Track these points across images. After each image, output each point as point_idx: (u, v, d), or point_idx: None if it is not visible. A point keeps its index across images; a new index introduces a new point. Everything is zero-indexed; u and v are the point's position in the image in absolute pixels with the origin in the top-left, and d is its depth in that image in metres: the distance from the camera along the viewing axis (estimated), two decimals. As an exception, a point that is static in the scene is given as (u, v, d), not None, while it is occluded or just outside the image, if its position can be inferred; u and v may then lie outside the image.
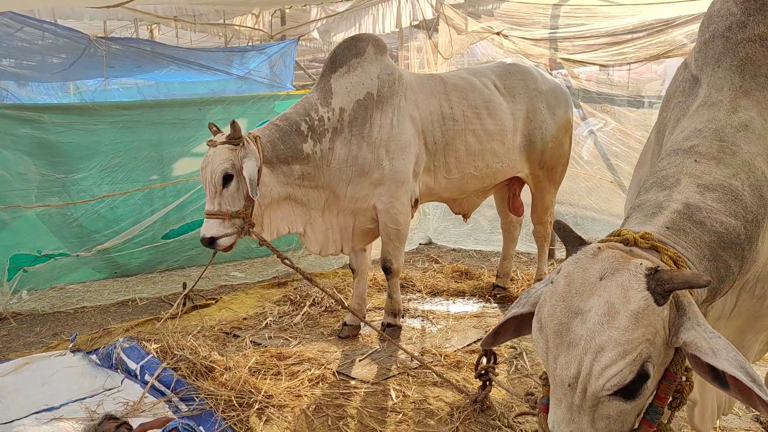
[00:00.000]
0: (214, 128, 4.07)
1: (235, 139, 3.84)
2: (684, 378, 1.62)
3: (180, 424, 2.27)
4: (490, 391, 3.46)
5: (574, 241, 1.64)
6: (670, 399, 1.65)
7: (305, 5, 7.33)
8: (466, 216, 5.28)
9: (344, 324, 4.65)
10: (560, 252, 6.47)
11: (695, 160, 1.84)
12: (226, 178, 3.84)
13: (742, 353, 2.13)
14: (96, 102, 6.72)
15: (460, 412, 3.41)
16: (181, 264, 6.16)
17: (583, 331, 1.48)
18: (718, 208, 1.73)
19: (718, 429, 3.23)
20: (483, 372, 3.43)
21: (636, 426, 1.61)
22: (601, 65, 5.38)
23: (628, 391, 1.49)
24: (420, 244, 7.49)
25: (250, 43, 8.52)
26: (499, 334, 1.91)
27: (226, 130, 3.92)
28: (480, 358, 3.44)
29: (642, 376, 1.48)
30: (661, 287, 1.46)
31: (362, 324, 4.62)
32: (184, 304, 5.19)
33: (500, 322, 1.87)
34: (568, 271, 1.57)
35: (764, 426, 3.25)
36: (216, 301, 5.46)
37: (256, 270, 6.53)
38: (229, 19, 8.95)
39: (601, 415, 1.53)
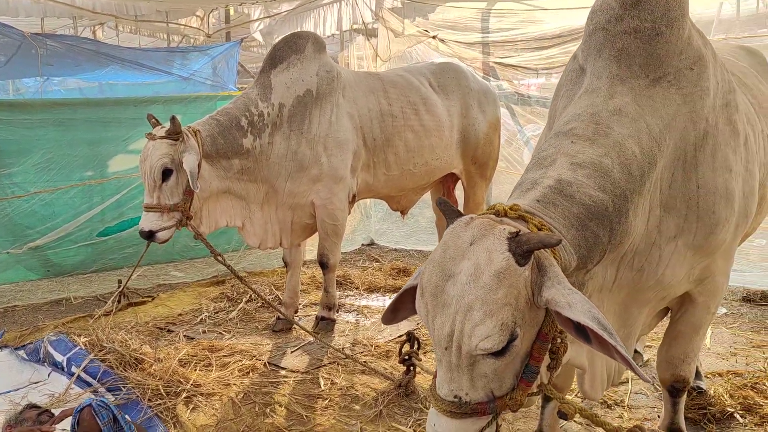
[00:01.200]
0: (153, 120, 4.09)
1: (175, 134, 3.87)
2: (559, 340, 1.74)
3: (94, 401, 2.30)
4: (414, 376, 3.57)
5: (452, 214, 1.76)
6: (548, 361, 1.77)
7: (241, 4, 7.37)
8: (403, 213, 5.42)
9: (278, 318, 4.71)
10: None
11: (572, 141, 1.99)
12: (166, 173, 3.86)
13: (628, 326, 2.30)
14: (30, 99, 6.62)
15: (384, 397, 3.51)
16: (118, 263, 6.09)
17: (455, 291, 1.59)
18: (587, 183, 1.88)
19: (625, 407, 3.42)
20: (407, 357, 3.54)
21: (515, 386, 1.70)
22: (530, 69, 5.61)
23: (498, 350, 1.59)
24: (362, 244, 7.60)
25: (193, 44, 8.51)
26: (397, 310, 2.00)
27: (167, 124, 3.95)
28: (404, 343, 3.56)
29: (511, 337, 1.58)
30: (520, 248, 1.58)
31: (296, 317, 4.70)
32: (119, 302, 5.17)
33: (396, 296, 1.96)
34: (445, 239, 1.69)
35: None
36: (152, 299, 5.44)
37: (196, 269, 6.52)
38: (173, 21, 8.92)
39: (479, 374, 1.64)
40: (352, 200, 4.58)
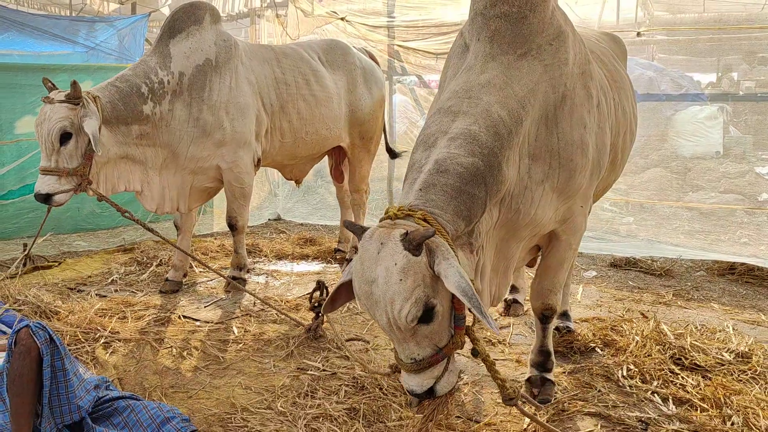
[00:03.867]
0: (50, 84, 4.13)
1: (75, 98, 3.94)
2: None
3: (31, 322, 2.46)
4: (323, 322, 3.92)
5: (359, 231, 2.17)
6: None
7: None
8: (297, 182, 5.78)
9: (166, 280, 4.89)
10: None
11: (450, 119, 2.41)
12: (64, 137, 3.93)
13: (507, 258, 2.75)
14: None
15: (295, 340, 3.83)
16: (20, 230, 6.00)
17: (379, 292, 2.03)
18: (459, 153, 2.29)
19: (507, 344, 3.93)
20: (317, 304, 3.88)
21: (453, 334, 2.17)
22: (430, 53, 6.06)
23: (425, 319, 2.05)
24: (269, 219, 7.84)
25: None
26: (336, 300, 2.40)
27: (65, 89, 4.01)
28: (313, 291, 3.89)
29: (428, 307, 2.04)
30: (411, 244, 2.01)
31: (183, 280, 4.95)
32: (25, 265, 5.17)
33: (334, 289, 2.36)
34: (360, 254, 2.11)
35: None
36: (59, 264, 5.47)
37: (100, 240, 6.55)
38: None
39: (422, 337, 2.10)
40: (258, 164, 4.85)
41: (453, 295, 2.10)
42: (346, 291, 2.31)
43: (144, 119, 4.27)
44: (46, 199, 3.96)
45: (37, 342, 2.42)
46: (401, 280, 2.00)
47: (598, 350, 3.80)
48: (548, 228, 2.85)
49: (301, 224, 7.69)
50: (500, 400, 3.21)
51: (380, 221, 2.19)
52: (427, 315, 2.04)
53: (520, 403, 2.35)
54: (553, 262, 3.01)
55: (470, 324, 2.26)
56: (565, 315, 4.07)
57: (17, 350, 2.42)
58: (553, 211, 2.76)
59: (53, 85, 4.13)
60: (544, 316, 3.15)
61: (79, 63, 6.91)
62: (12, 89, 5.75)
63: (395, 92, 7.15)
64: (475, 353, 2.25)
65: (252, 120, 4.65)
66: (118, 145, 4.22)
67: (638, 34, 5.76)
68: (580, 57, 2.75)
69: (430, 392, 2.15)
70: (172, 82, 4.37)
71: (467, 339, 2.24)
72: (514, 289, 4.50)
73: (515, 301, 4.44)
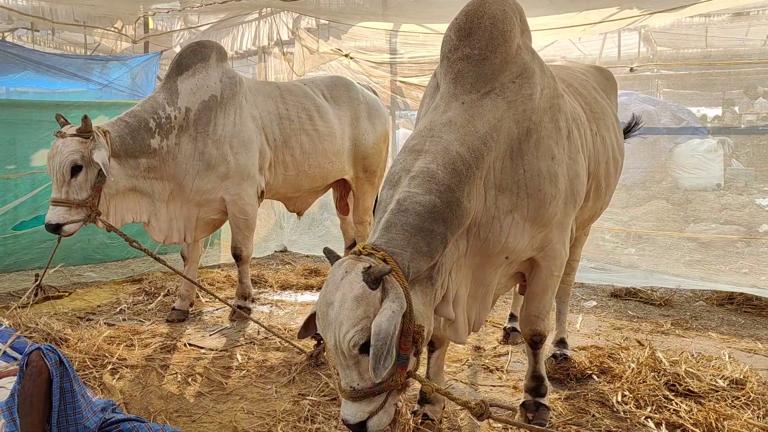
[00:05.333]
0: (62, 119, 4.32)
1: (86, 132, 4.12)
2: (417, 334, 2.33)
3: (42, 345, 2.58)
4: (324, 349, 4.01)
5: (333, 258, 2.38)
6: (413, 349, 2.35)
7: (154, 13, 7.67)
8: (299, 214, 5.91)
9: (173, 309, 5.01)
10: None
11: (414, 158, 2.54)
12: (75, 169, 4.10)
13: (485, 284, 2.88)
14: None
15: (297, 367, 3.92)
16: (33, 258, 6.16)
17: (332, 313, 2.20)
18: (417, 192, 2.42)
19: (504, 371, 4.00)
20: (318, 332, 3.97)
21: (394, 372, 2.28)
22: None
23: (368, 348, 2.16)
24: (275, 251, 7.97)
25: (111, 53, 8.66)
26: (308, 327, 2.56)
27: (77, 124, 4.20)
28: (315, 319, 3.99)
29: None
30: (370, 278, 2.18)
31: (190, 309, 5.06)
32: (36, 295, 5.30)
33: (305, 319, 2.53)
34: (328, 277, 2.29)
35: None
36: (69, 294, 5.60)
37: (110, 271, 6.69)
38: (89, 32, 9.03)
39: (364, 368, 2.22)
40: (261, 196, 5.00)
41: (400, 335, 2.23)
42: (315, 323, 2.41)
43: (152, 153, 4.43)
44: (56, 228, 4.11)
45: (48, 364, 2.54)
46: (353, 307, 2.16)
47: (595, 377, 3.86)
48: (525, 255, 2.92)
49: (307, 256, 7.81)
50: (496, 424, 3.30)
51: (350, 254, 2.34)
52: (369, 346, 2.15)
53: (493, 411, 2.46)
54: (537, 288, 3.09)
55: (414, 369, 2.39)
56: (562, 342, 4.14)
57: (28, 372, 2.54)
58: (529, 239, 2.84)
59: (65, 120, 4.32)
60: (533, 342, 3.23)
61: (93, 100, 7.15)
62: (28, 125, 5.96)
63: (398, 127, 7.32)
64: (424, 395, 2.36)
65: (255, 154, 4.81)
66: (126, 178, 4.38)
67: (631, 69, 5.93)
68: (548, 91, 2.86)
69: (362, 426, 2.27)
70: (179, 117, 4.54)
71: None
72: (513, 317, 4.58)
73: (514, 329, 4.51)
